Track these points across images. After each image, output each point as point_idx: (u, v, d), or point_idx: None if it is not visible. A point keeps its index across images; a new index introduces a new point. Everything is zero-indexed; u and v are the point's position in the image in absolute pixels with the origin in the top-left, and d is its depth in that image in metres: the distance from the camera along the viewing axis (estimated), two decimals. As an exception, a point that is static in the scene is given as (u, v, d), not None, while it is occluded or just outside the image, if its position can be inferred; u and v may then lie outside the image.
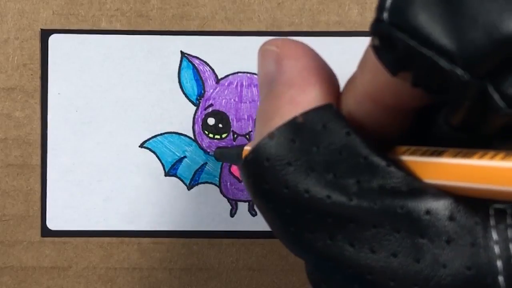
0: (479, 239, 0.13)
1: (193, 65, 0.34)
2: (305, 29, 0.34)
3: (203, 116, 0.34)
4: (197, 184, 0.34)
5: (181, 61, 0.34)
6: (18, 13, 0.34)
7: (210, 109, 0.34)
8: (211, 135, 0.34)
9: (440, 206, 0.14)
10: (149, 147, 0.34)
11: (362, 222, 0.15)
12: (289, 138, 0.16)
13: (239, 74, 0.34)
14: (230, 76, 0.34)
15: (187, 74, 0.34)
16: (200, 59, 0.34)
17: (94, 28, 0.34)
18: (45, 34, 0.34)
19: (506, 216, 0.13)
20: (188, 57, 0.34)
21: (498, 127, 0.13)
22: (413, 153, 0.15)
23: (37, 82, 0.34)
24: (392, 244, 0.14)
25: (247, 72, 0.34)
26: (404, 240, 0.14)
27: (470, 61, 0.12)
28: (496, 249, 0.13)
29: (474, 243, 0.13)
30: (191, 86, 0.34)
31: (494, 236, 0.13)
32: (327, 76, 0.17)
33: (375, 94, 0.15)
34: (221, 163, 0.34)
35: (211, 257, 0.34)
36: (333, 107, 0.16)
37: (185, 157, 0.34)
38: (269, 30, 0.34)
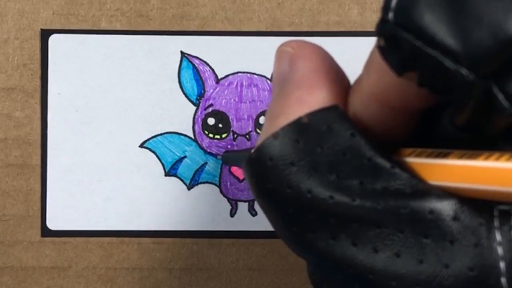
0: (482, 240, 0.13)
1: (193, 65, 0.34)
2: (305, 29, 0.34)
3: (203, 116, 0.34)
4: (197, 184, 0.34)
5: (181, 61, 0.34)
6: (18, 13, 0.34)
7: (210, 109, 0.34)
8: (211, 135, 0.34)
9: (444, 207, 0.14)
10: (149, 147, 0.34)
11: (366, 222, 0.15)
12: (293, 138, 0.16)
13: (239, 74, 0.34)
14: (230, 76, 0.34)
15: (187, 74, 0.34)
16: (200, 59, 0.34)
17: (94, 28, 0.34)
18: (45, 34, 0.34)
19: (511, 217, 0.13)
20: (188, 57, 0.34)
21: (502, 128, 0.13)
22: (418, 155, 0.15)
23: (37, 82, 0.34)
24: (396, 244, 0.14)
25: (247, 72, 0.34)
26: (407, 240, 0.14)
27: (475, 61, 0.12)
28: (500, 250, 0.13)
29: (477, 244, 0.13)
30: (191, 86, 0.34)
31: (498, 237, 0.13)
32: (338, 77, 0.17)
33: (381, 95, 0.15)
34: (221, 163, 0.34)
35: (211, 257, 0.34)
36: (338, 108, 0.16)
37: (185, 157, 0.34)
38: (269, 30, 0.34)
